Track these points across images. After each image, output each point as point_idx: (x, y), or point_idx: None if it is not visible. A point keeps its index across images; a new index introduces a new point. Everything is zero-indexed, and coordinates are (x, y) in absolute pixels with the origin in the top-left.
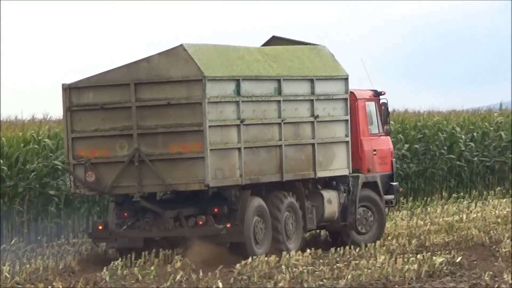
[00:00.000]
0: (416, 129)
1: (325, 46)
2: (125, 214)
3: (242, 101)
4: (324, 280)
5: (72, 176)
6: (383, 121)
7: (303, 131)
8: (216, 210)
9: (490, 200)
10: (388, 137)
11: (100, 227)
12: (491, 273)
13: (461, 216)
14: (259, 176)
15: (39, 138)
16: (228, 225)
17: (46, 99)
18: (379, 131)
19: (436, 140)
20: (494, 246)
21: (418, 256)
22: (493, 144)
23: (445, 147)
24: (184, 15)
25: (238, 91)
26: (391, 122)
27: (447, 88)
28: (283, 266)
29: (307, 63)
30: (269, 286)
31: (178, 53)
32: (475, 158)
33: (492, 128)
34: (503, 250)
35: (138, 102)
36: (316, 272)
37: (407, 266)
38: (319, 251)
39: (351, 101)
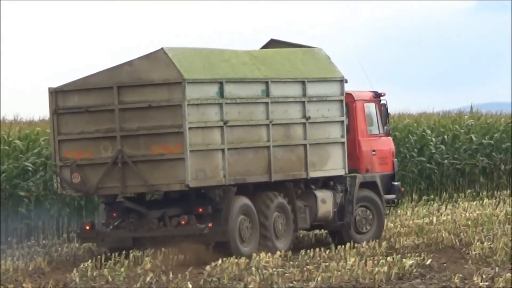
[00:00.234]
0: None
1: (321, 49)
2: (114, 214)
3: (226, 103)
4: (294, 282)
5: (58, 178)
6: (383, 122)
7: (294, 132)
8: (200, 210)
9: (460, 203)
10: (389, 137)
11: (87, 227)
12: (461, 275)
13: (431, 218)
14: (245, 176)
15: (10, 139)
16: (209, 225)
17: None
18: (379, 131)
19: (406, 143)
20: (464, 249)
21: (388, 258)
22: (463, 146)
23: (416, 150)
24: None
25: (221, 93)
26: None
27: (417, 90)
28: (253, 268)
29: (299, 66)
30: None
31: (158, 56)
32: (446, 161)
33: (462, 130)
34: (473, 252)
35: (121, 105)
36: (286, 274)
37: (377, 268)
38: (289, 252)
39: (349, 102)
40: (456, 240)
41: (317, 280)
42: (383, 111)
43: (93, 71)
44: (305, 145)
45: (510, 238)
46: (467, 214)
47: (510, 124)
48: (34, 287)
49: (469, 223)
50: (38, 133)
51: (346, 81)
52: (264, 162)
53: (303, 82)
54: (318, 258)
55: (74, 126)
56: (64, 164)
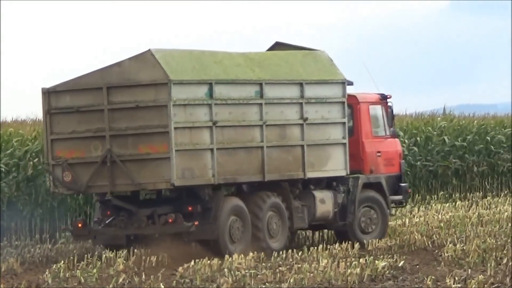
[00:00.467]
0: None
1: (324, 51)
2: (108, 212)
3: (216, 104)
4: (266, 283)
5: (51, 176)
6: (389, 124)
7: (290, 133)
8: (190, 208)
9: (433, 205)
10: (396, 139)
11: (80, 225)
12: (433, 277)
13: (404, 220)
14: (236, 176)
15: None
16: (195, 223)
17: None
18: (385, 133)
19: None
20: (436, 251)
21: (361, 260)
22: (436, 148)
23: None
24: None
25: (210, 94)
26: None
27: (390, 92)
28: (225, 270)
29: (298, 68)
30: None
31: (146, 58)
32: (418, 163)
33: (435, 132)
34: (446, 254)
35: (110, 105)
36: (258, 276)
37: (349, 270)
38: (262, 254)
39: (353, 104)
40: (429, 242)
41: (290, 281)
42: (389, 113)
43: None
44: (302, 146)
45: (483, 240)
46: (440, 216)
47: (483, 126)
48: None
49: (442, 225)
50: (10, 134)
51: (352, 83)
52: (257, 162)
53: (300, 84)
54: (291, 260)
55: (66, 126)
56: (56, 162)
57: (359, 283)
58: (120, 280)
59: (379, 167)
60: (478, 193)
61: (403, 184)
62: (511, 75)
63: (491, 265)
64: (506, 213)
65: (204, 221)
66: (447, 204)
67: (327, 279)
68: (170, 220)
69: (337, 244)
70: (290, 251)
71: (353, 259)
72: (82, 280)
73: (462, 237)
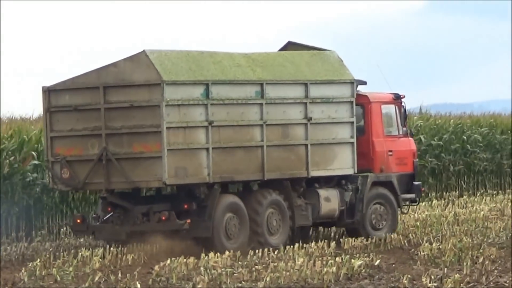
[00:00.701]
0: None
1: (334, 52)
2: (108, 208)
3: (212, 104)
4: (242, 282)
5: (50, 173)
6: (402, 123)
7: (293, 132)
8: (186, 206)
9: None
10: (410, 139)
11: (78, 221)
12: (409, 276)
13: None
14: (234, 175)
15: None
16: (188, 221)
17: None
18: (399, 133)
19: None
20: (413, 250)
21: (337, 258)
22: None
23: None
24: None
25: (207, 95)
26: None
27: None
28: (201, 268)
29: (303, 68)
30: None
31: (140, 58)
32: None
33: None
34: (422, 253)
35: (106, 104)
36: (234, 274)
37: (325, 269)
38: (238, 253)
39: (365, 104)
40: (405, 241)
41: (266, 280)
42: (402, 112)
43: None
44: (306, 145)
45: (459, 239)
46: (416, 215)
47: (459, 126)
48: None
49: (418, 224)
50: None
51: (365, 83)
52: (256, 161)
53: (305, 84)
54: (267, 258)
55: (65, 124)
56: (55, 159)
57: (335, 282)
58: (96, 278)
59: (390, 166)
60: (454, 192)
61: (416, 183)
62: (487, 74)
63: (467, 264)
64: (482, 212)
65: (199, 219)
66: (423, 203)
67: (303, 278)
68: (163, 218)
69: (313, 243)
70: (266, 249)
71: (329, 258)
72: (58, 279)
73: (438, 236)
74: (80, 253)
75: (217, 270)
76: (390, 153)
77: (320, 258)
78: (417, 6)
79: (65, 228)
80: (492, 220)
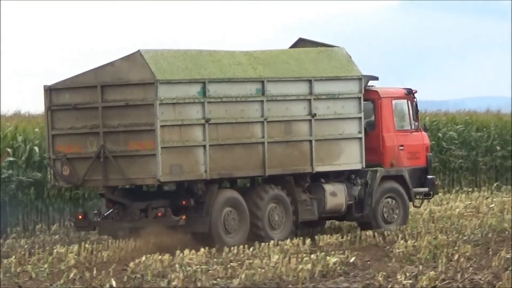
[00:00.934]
0: None
1: (342, 48)
2: (111, 204)
3: (209, 102)
4: (217, 279)
5: (52, 170)
6: (414, 118)
7: (297, 128)
8: (184, 202)
9: None
10: (423, 133)
11: (80, 217)
12: (384, 273)
13: None
14: (233, 171)
15: None
16: (183, 217)
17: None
18: (411, 127)
19: None
20: (388, 247)
21: (312, 256)
22: None
23: None
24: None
25: (204, 93)
26: None
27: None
28: (176, 265)
29: (308, 65)
30: (162, 285)
31: (136, 58)
32: None
33: None
34: (397, 250)
35: (104, 103)
36: (209, 271)
37: (300, 266)
38: (213, 250)
39: (375, 99)
40: (380, 238)
41: (241, 277)
42: (414, 107)
43: None
44: (310, 141)
45: (434, 237)
46: None
47: (435, 123)
48: None
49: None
50: None
51: (377, 78)
52: (257, 157)
53: (309, 81)
54: (242, 256)
55: (65, 122)
56: (56, 157)
57: (310, 279)
58: (71, 275)
59: (402, 160)
60: None
61: (429, 177)
62: (462, 72)
63: (442, 262)
64: (457, 210)
65: (196, 215)
66: None
67: (278, 275)
68: (159, 214)
69: (289, 240)
70: (241, 246)
71: (304, 255)
72: (34, 275)
73: (414, 233)
74: (55, 250)
75: (192, 267)
76: (401, 147)
77: (295, 255)
78: (390, 4)
79: (40, 225)
80: (467, 218)
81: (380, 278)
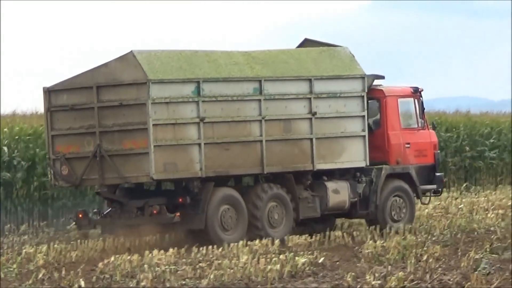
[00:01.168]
0: None
1: (346, 48)
2: (110, 203)
3: (204, 101)
4: (186, 279)
5: (52, 170)
6: (421, 116)
7: (297, 126)
8: (180, 200)
9: None
10: (431, 131)
11: (80, 216)
12: (353, 274)
13: None
14: (229, 169)
15: None
16: (177, 214)
17: None
18: (418, 125)
19: None
20: (357, 247)
21: (281, 256)
22: None
23: None
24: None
25: (198, 92)
26: None
27: None
28: (145, 265)
29: (308, 64)
30: (131, 285)
31: (128, 59)
32: None
33: None
34: (366, 251)
35: (99, 103)
36: (178, 272)
37: (269, 266)
38: (182, 250)
39: (380, 97)
40: (349, 239)
41: (210, 277)
42: (420, 105)
43: None
44: (311, 139)
45: (403, 237)
46: None
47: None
48: None
49: (362, 221)
50: None
51: (383, 77)
52: (255, 155)
53: (309, 80)
54: (211, 256)
55: (64, 123)
56: (56, 157)
57: (279, 280)
58: (40, 275)
59: (408, 158)
60: None
61: (438, 174)
62: (432, 73)
63: (411, 262)
64: (426, 210)
65: (193, 212)
66: None
67: (247, 275)
68: (155, 212)
69: (258, 240)
70: (210, 246)
71: (273, 255)
72: (2, 276)
73: (382, 234)
74: (24, 250)
75: (160, 268)
76: (408, 145)
77: (264, 256)
78: (361, 4)
79: (9, 225)
80: (436, 218)
81: (349, 279)
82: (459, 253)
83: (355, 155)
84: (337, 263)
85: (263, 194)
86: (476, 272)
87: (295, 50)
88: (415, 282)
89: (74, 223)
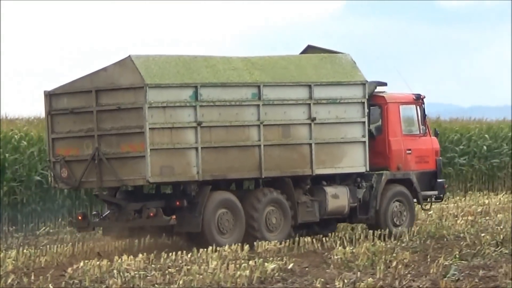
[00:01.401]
0: None
1: (348, 55)
2: (110, 205)
3: (201, 106)
4: (156, 285)
5: (52, 173)
6: (422, 123)
7: (296, 132)
8: (177, 203)
9: None
10: (433, 138)
11: (79, 218)
12: (322, 280)
13: None
14: (227, 173)
15: None
16: (173, 217)
17: None
18: (420, 132)
19: None
20: (326, 253)
21: (250, 262)
22: None
23: None
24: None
25: (196, 97)
26: None
27: None
28: (114, 271)
29: (308, 71)
30: None
31: (127, 63)
32: None
33: None
34: (335, 257)
35: (98, 107)
36: (148, 277)
37: (239, 272)
38: (152, 256)
39: (382, 104)
40: (318, 245)
41: (179, 283)
42: (422, 112)
43: None
44: (310, 144)
45: (372, 243)
46: None
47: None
48: None
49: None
50: None
51: (385, 84)
52: (253, 160)
53: (309, 86)
54: (180, 261)
55: (64, 126)
56: (56, 160)
57: (249, 285)
58: (9, 280)
59: (409, 164)
60: None
61: (440, 180)
62: (411, 78)
63: (380, 268)
64: None
65: (190, 215)
66: None
67: (216, 281)
68: (151, 214)
69: (227, 246)
70: (179, 252)
71: (242, 261)
72: None
73: (352, 240)
74: None
75: (130, 273)
76: (409, 151)
77: (234, 261)
78: (333, 7)
79: None
80: None
81: (318, 285)
82: (429, 260)
83: (355, 160)
84: (307, 269)
85: (261, 197)
86: (446, 279)
87: (295, 56)
88: None
89: (73, 225)
